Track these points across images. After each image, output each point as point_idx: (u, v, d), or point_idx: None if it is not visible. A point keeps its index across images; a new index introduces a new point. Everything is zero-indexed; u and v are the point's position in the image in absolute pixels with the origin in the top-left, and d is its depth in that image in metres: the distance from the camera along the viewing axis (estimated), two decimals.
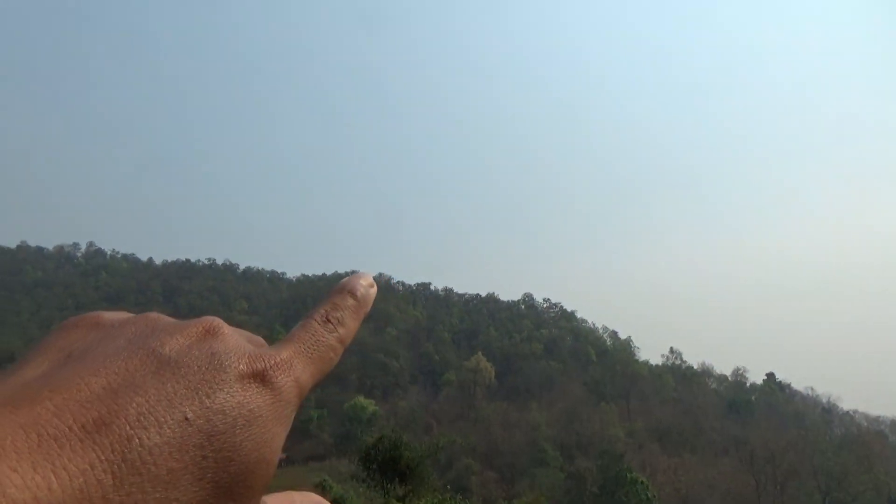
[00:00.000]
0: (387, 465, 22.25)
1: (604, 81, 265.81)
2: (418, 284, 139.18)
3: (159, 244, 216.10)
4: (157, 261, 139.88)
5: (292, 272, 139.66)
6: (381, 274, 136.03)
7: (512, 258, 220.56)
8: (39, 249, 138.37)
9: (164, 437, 0.27)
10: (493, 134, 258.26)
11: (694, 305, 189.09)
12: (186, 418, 0.28)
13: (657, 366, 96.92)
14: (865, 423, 78.40)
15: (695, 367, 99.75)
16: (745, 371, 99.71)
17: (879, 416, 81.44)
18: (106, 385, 0.28)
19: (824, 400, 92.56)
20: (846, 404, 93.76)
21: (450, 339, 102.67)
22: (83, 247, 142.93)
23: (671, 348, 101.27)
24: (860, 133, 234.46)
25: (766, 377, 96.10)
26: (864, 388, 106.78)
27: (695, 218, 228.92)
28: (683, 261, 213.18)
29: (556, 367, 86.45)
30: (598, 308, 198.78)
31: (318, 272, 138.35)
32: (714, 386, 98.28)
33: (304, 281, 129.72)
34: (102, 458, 0.24)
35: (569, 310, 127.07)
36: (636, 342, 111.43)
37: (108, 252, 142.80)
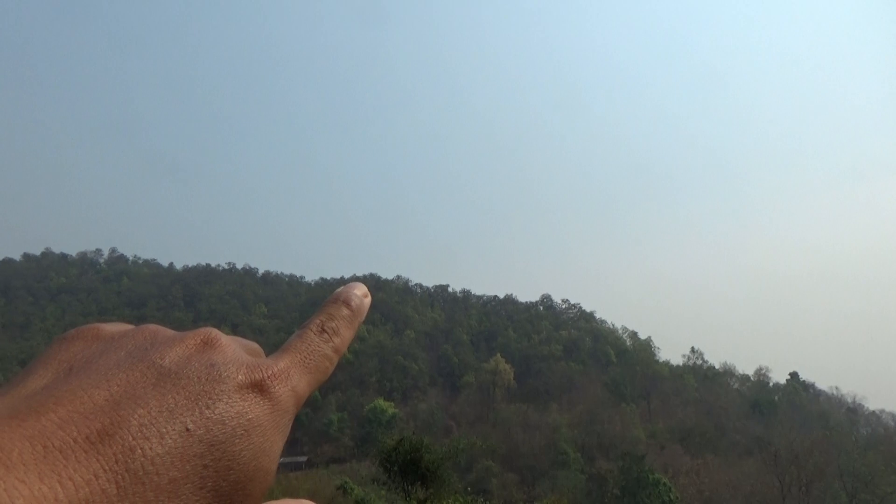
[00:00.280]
0: (407, 468, 22.28)
1: (623, 75, 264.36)
2: (436, 287, 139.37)
3: (180, 249, 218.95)
4: (178, 266, 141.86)
5: (311, 276, 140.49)
6: (398, 276, 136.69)
7: (530, 259, 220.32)
8: (63, 256, 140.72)
9: (165, 447, 0.27)
10: (511, 135, 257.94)
11: (715, 305, 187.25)
12: (187, 429, 0.29)
13: (678, 366, 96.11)
14: (893, 423, 77.02)
15: (716, 367, 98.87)
16: (767, 371, 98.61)
17: None
18: (108, 397, 0.28)
19: (849, 399, 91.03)
20: (872, 404, 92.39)
21: (468, 340, 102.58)
22: (105, 253, 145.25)
23: (692, 348, 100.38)
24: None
25: (789, 377, 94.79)
26: (890, 388, 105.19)
27: (715, 216, 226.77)
28: (704, 260, 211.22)
29: (576, 369, 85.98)
30: (617, 308, 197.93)
31: (337, 275, 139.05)
32: (736, 386, 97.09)
33: (323, 284, 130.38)
34: (106, 468, 0.25)
35: (588, 310, 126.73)
36: (656, 342, 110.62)
37: (130, 258, 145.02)
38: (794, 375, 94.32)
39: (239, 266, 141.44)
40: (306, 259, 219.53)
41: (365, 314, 0.45)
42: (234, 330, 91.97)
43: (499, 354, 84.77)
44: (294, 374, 0.36)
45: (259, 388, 0.33)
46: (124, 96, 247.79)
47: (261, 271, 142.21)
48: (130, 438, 0.27)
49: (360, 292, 0.45)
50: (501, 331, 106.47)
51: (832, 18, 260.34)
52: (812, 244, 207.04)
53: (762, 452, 50.84)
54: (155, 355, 0.32)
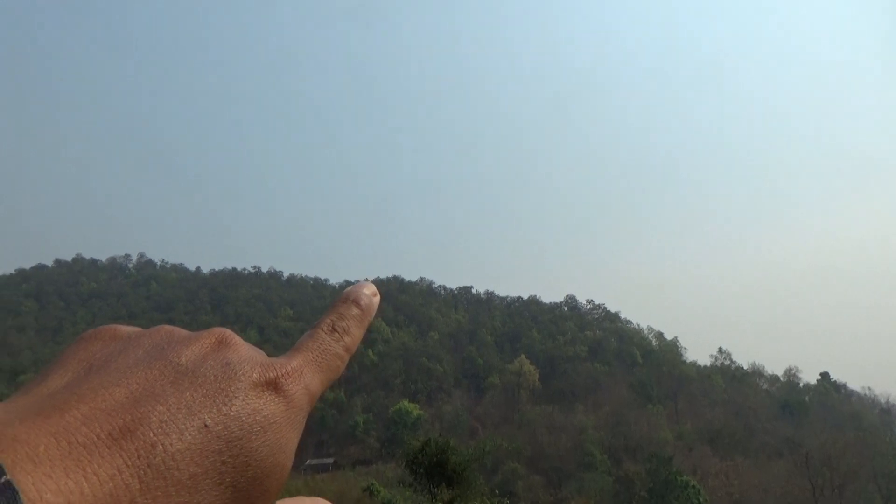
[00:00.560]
0: (433, 470, 22.33)
1: (645, 73, 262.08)
2: (460, 288, 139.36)
3: (206, 254, 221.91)
4: (205, 270, 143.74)
5: (335, 279, 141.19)
6: (422, 278, 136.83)
7: (553, 260, 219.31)
8: (94, 261, 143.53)
9: (185, 443, 0.28)
10: (535, 135, 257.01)
11: (743, 305, 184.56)
12: (206, 425, 0.29)
13: (705, 366, 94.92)
14: None
15: (745, 367, 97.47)
16: (797, 371, 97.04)
17: None
18: (128, 394, 0.29)
19: (883, 400, 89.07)
20: None
21: (492, 342, 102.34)
22: (134, 258, 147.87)
23: (720, 348, 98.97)
24: None
25: (820, 377, 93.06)
26: None
27: (743, 215, 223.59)
28: (731, 260, 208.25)
29: (601, 370, 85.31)
30: (642, 309, 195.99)
31: (360, 278, 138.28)
32: (765, 387, 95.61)
33: (347, 287, 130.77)
34: (129, 463, 0.26)
35: (612, 311, 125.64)
36: (683, 343, 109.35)
37: (158, 263, 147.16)
38: (824, 376, 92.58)
39: (264, 270, 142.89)
40: (330, 262, 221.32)
41: (374, 313, 0.46)
42: (261, 333, 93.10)
43: (523, 356, 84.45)
44: (307, 372, 0.37)
45: (273, 386, 0.34)
46: (150, 108, 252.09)
47: (286, 275, 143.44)
48: (151, 434, 0.27)
49: (369, 291, 0.47)
50: (526, 332, 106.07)
51: (842, 16, 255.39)
52: (841, 241, 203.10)
53: (793, 454, 50.03)
54: (172, 354, 0.33)
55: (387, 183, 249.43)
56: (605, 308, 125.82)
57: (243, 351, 0.35)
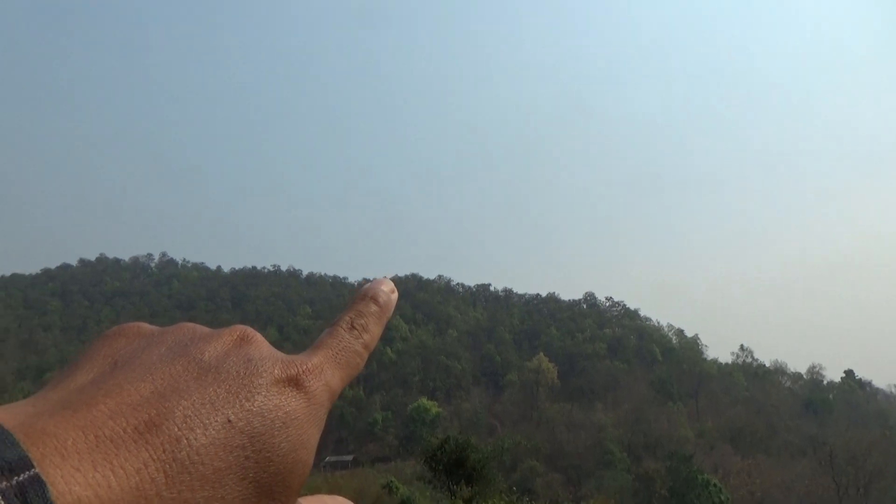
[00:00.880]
0: (452, 467, 22.39)
1: (659, 67, 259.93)
2: (478, 286, 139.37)
3: (227, 253, 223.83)
4: (225, 269, 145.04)
5: (354, 277, 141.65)
6: (440, 276, 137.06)
7: (572, 257, 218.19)
8: (117, 261, 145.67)
9: (209, 437, 0.29)
10: (553, 134, 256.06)
11: (765, 302, 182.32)
12: (229, 420, 0.30)
13: (727, 364, 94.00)
14: None
15: (767, 364, 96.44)
16: (821, 368, 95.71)
17: None
18: (153, 390, 0.29)
19: None
20: None
21: (511, 339, 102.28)
22: (156, 257, 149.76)
23: (741, 346, 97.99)
24: None
25: (844, 374, 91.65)
26: None
27: (764, 208, 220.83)
28: (753, 254, 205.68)
29: (621, 367, 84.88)
30: (662, 306, 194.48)
31: (380, 276, 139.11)
32: (788, 384, 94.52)
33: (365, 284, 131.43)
34: (155, 457, 0.26)
35: (632, 308, 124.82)
36: (704, 340, 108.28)
37: (180, 262, 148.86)
38: (849, 373, 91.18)
39: (283, 268, 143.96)
40: (349, 260, 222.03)
41: (392, 310, 0.46)
42: (280, 331, 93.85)
43: (542, 353, 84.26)
44: (327, 369, 0.37)
45: (295, 382, 0.34)
46: (172, 111, 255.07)
47: (305, 273, 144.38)
48: (176, 429, 0.28)
49: (388, 288, 0.48)
50: (544, 329, 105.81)
51: (844, 16, 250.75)
52: (867, 236, 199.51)
53: (817, 453, 49.40)
54: (195, 350, 0.33)
55: (405, 181, 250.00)
56: (625, 305, 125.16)
57: (264, 348, 0.36)
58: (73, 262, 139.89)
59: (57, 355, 75.50)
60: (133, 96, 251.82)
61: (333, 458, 59.14)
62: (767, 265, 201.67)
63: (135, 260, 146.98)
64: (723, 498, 37.88)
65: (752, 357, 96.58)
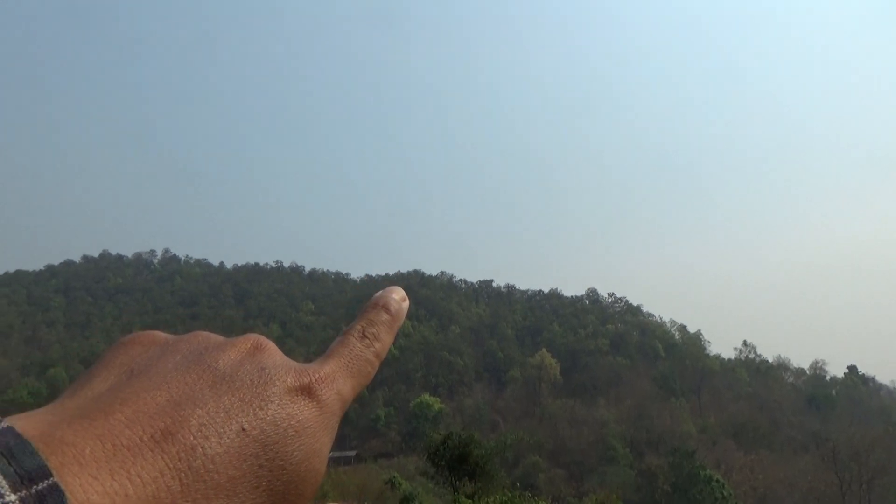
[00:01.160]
0: (455, 463, 22.42)
1: (658, 65, 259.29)
2: (480, 282, 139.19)
3: (229, 249, 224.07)
4: (228, 265, 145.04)
5: (356, 273, 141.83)
6: (442, 272, 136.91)
7: (575, 253, 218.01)
8: (120, 257, 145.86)
9: (224, 446, 0.29)
10: (555, 130, 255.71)
11: (768, 298, 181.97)
12: (243, 429, 0.30)
13: (729, 360, 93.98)
14: None
15: (770, 360, 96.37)
16: (824, 364, 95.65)
17: None
18: (169, 398, 0.30)
19: None
20: None
21: (513, 335, 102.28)
22: (159, 254, 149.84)
23: (744, 341, 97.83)
24: None
25: (847, 370, 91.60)
26: None
27: (767, 205, 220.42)
28: (757, 250, 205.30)
29: (623, 363, 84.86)
30: (665, 302, 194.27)
31: (381, 272, 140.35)
32: (791, 380, 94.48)
33: (368, 281, 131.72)
34: (171, 465, 0.27)
35: (634, 304, 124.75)
36: (707, 336, 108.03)
37: (182, 258, 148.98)
38: (852, 369, 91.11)
39: (286, 264, 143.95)
40: (351, 256, 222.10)
41: (403, 318, 0.46)
42: (283, 327, 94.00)
43: (544, 349, 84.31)
44: (339, 378, 0.37)
45: (307, 391, 0.35)
46: (175, 108, 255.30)
47: (307, 269, 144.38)
48: (191, 438, 0.28)
49: (399, 296, 0.47)
50: (546, 325, 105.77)
51: (857, 11, 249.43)
52: (870, 234, 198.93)
53: (819, 448, 49.32)
54: (209, 359, 0.34)
55: (408, 178, 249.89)
56: (627, 301, 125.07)
57: (277, 357, 0.37)
58: (77, 258, 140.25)
59: (60, 351, 75.73)
60: (137, 93, 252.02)
61: (336, 455, 59.19)
62: (770, 261, 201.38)
63: (138, 256, 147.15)
64: (725, 494, 37.87)
65: (755, 353, 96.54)
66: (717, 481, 38.46)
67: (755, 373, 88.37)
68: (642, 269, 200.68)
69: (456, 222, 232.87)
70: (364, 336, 0.42)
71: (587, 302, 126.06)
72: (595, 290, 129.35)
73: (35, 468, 0.23)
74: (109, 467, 0.25)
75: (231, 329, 62.70)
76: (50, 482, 0.23)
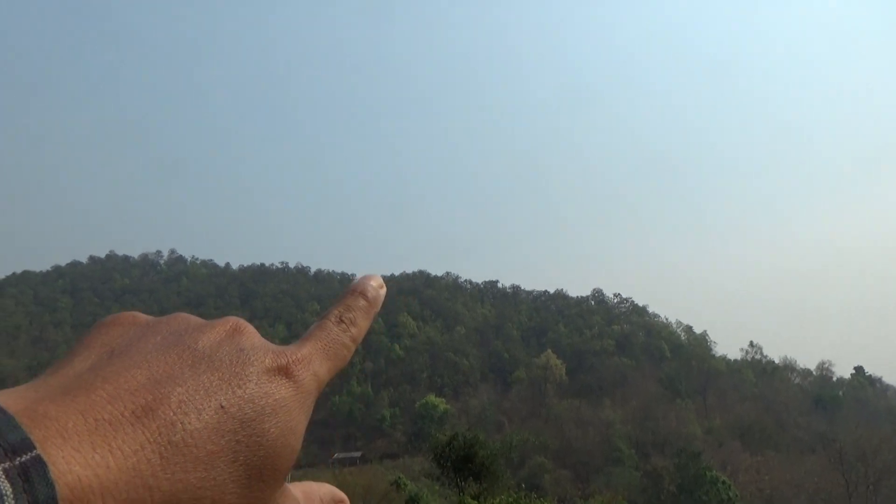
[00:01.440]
0: (460, 464, 22.45)
1: (652, 75, 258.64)
2: (486, 282, 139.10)
3: (235, 249, 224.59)
4: (234, 265, 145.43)
5: (362, 273, 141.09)
6: (448, 273, 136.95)
7: (580, 254, 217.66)
8: (126, 258, 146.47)
9: (202, 422, 0.30)
10: (560, 129, 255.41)
11: (774, 298, 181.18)
12: (221, 406, 0.32)
13: (736, 361, 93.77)
14: None
15: (776, 361, 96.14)
16: (830, 365, 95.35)
17: None
18: (150, 376, 0.31)
19: None
20: None
21: (519, 336, 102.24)
22: (165, 254, 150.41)
23: (751, 342, 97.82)
24: None
25: (854, 371, 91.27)
26: None
27: (773, 205, 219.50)
28: (763, 251, 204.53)
29: (629, 364, 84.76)
30: (671, 303, 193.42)
31: (387, 273, 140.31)
32: (797, 381, 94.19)
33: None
34: (151, 440, 0.28)
35: (640, 305, 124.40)
36: (713, 337, 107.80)
37: (189, 259, 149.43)
38: (859, 370, 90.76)
39: (292, 265, 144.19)
40: (357, 257, 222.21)
41: (380, 304, 0.47)
42: (289, 328, 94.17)
43: (550, 350, 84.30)
44: (315, 360, 0.39)
45: (284, 371, 0.36)
46: (180, 109, 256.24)
47: (313, 270, 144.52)
48: (171, 413, 0.29)
49: (376, 283, 0.48)
50: (552, 326, 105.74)
51: (848, 12, 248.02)
52: (877, 232, 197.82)
53: (826, 449, 49.12)
54: (189, 340, 0.35)
55: (413, 178, 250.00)
56: (633, 302, 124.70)
57: (256, 339, 0.38)
58: (84, 259, 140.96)
59: (68, 352, 76.02)
60: (143, 93, 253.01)
61: (342, 455, 59.30)
62: (776, 261, 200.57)
63: (144, 257, 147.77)
64: (731, 495, 37.79)
65: (761, 354, 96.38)
66: (724, 482, 38.38)
67: (761, 374, 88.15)
68: (648, 269, 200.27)
69: (461, 223, 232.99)
70: (341, 321, 0.43)
71: (593, 302, 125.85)
72: (600, 290, 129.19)
73: (18, 441, 0.24)
74: (91, 440, 0.26)
75: None
76: (33, 454, 0.24)
